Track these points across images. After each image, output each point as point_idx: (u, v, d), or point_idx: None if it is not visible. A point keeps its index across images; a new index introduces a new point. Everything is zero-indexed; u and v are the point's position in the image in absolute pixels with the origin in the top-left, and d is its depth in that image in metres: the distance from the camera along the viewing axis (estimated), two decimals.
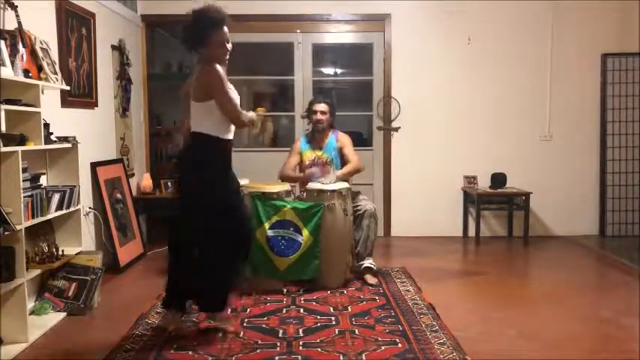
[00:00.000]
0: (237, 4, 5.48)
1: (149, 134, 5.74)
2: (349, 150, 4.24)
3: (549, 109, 5.61)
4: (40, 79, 3.27)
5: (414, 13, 5.56)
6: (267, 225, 3.77)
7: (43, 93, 3.25)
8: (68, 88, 3.76)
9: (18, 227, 2.85)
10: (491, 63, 5.57)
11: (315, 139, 4.29)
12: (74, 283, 3.51)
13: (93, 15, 4.37)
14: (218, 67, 2.86)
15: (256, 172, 4.61)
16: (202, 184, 2.88)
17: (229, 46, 2.95)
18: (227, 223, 2.93)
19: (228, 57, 2.97)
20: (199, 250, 2.99)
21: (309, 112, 4.30)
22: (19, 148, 2.89)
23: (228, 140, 2.98)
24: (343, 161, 4.26)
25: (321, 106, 4.22)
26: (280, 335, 3.04)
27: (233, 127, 3.00)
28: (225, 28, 2.93)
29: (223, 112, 2.85)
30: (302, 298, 3.67)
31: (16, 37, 3.05)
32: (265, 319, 3.29)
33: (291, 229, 3.79)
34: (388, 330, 3.10)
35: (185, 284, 3.02)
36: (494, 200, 5.49)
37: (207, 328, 3.11)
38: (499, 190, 5.37)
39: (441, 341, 2.93)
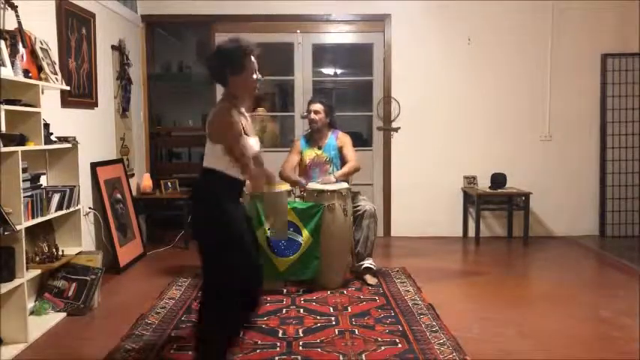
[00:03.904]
0: (237, 4, 5.51)
1: (149, 134, 5.74)
2: (348, 150, 4.24)
3: (549, 109, 5.61)
4: (40, 79, 3.28)
5: (414, 13, 5.56)
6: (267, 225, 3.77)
7: (43, 93, 3.25)
8: (68, 88, 3.76)
9: (18, 227, 2.85)
10: (491, 63, 5.57)
11: (314, 138, 4.29)
12: (74, 284, 3.51)
13: (93, 15, 4.37)
14: (228, 111, 2.53)
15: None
16: (214, 220, 2.55)
17: (256, 77, 2.62)
18: (235, 264, 2.52)
19: (255, 91, 2.66)
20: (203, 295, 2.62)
21: (307, 112, 4.33)
22: (19, 148, 2.89)
23: (240, 180, 2.65)
24: (343, 161, 4.26)
25: (315, 106, 4.23)
26: (280, 335, 3.04)
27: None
28: (252, 65, 2.58)
29: (231, 157, 2.53)
30: (302, 299, 3.67)
31: (16, 37, 3.05)
32: (265, 319, 3.29)
33: (291, 229, 3.79)
34: (388, 330, 3.10)
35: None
36: (494, 200, 5.49)
37: None
38: (499, 191, 5.37)
39: (441, 341, 2.93)
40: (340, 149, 4.24)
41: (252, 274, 2.56)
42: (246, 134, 2.60)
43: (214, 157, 2.57)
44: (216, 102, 2.67)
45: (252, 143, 2.65)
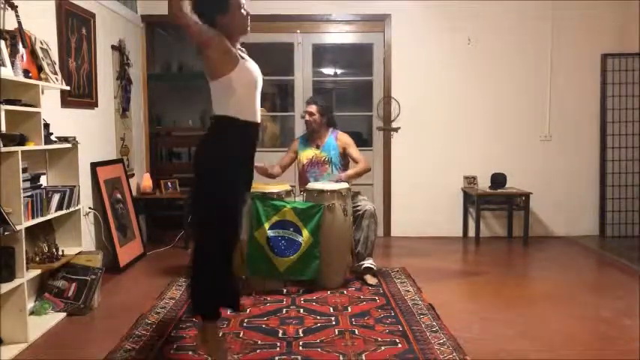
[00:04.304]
0: None
1: (149, 134, 5.74)
2: (354, 150, 4.23)
3: (549, 109, 5.61)
4: (40, 79, 3.28)
5: (414, 13, 5.56)
6: (267, 225, 3.77)
7: (43, 93, 3.25)
8: (68, 88, 3.76)
9: (18, 227, 2.85)
10: (491, 63, 5.57)
11: (312, 138, 4.30)
12: (74, 284, 3.51)
13: (93, 15, 4.37)
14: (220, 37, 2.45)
15: (256, 172, 4.59)
16: (215, 174, 2.52)
17: (244, 12, 2.51)
18: (224, 222, 2.61)
19: (248, 28, 2.55)
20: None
21: (304, 113, 4.34)
22: (19, 148, 2.89)
23: (254, 123, 2.58)
24: (346, 162, 4.26)
25: (309, 108, 4.25)
26: (280, 335, 3.04)
27: (258, 109, 2.63)
28: (238, 0, 2.49)
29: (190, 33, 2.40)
30: (302, 299, 3.67)
31: (16, 37, 3.05)
32: (265, 319, 3.29)
33: (291, 229, 3.79)
34: (388, 330, 3.10)
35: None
36: (494, 200, 5.50)
37: None
38: (499, 191, 5.37)
39: (441, 341, 2.93)
40: (343, 150, 4.24)
41: (232, 237, 2.69)
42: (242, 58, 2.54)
43: (223, 99, 2.48)
44: None
45: (252, 67, 2.58)
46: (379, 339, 2.97)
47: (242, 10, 2.52)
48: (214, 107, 2.56)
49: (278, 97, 6.63)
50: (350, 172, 4.17)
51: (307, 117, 4.23)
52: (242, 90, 2.50)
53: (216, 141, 2.53)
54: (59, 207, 3.37)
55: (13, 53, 2.98)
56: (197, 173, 2.59)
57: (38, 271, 3.18)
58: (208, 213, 2.59)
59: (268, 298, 3.66)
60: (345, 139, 4.28)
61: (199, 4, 2.46)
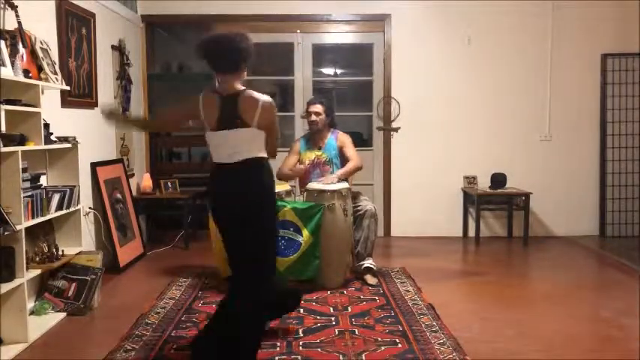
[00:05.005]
0: (237, 4, 5.51)
1: (149, 134, 5.74)
2: (349, 149, 4.23)
3: (549, 109, 5.61)
4: (40, 79, 3.28)
5: (414, 13, 5.56)
6: None
7: (43, 93, 3.26)
8: (68, 88, 3.76)
9: (18, 227, 2.85)
10: (491, 63, 5.57)
11: (314, 139, 4.29)
12: (74, 283, 3.51)
13: (93, 15, 4.38)
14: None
15: None
16: (269, 212, 2.71)
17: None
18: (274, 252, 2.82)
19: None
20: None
21: (306, 113, 4.31)
22: (19, 148, 2.89)
23: None
24: (344, 161, 4.25)
25: (315, 107, 4.21)
26: (280, 335, 3.04)
27: None
28: None
29: (270, 146, 2.76)
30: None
31: (16, 37, 3.05)
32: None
33: (291, 229, 3.79)
34: (388, 330, 3.10)
35: None
36: (494, 200, 5.50)
37: None
38: (499, 191, 5.37)
39: (441, 341, 2.93)
40: (340, 149, 4.24)
41: None
42: None
43: (258, 145, 2.67)
44: (239, 89, 2.66)
45: None
46: (379, 339, 2.97)
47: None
48: (248, 149, 2.65)
49: (278, 97, 6.62)
50: (340, 171, 4.13)
51: (313, 117, 4.19)
52: None
53: (270, 178, 2.72)
54: (59, 207, 3.37)
55: (13, 53, 2.98)
56: (262, 209, 2.65)
57: (38, 271, 3.18)
58: (269, 248, 2.71)
59: None
60: (345, 138, 4.26)
61: (242, 45, 2.66)
